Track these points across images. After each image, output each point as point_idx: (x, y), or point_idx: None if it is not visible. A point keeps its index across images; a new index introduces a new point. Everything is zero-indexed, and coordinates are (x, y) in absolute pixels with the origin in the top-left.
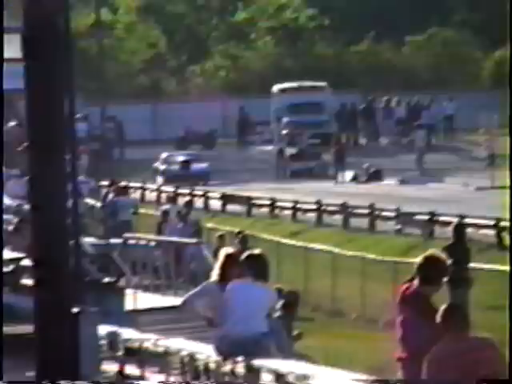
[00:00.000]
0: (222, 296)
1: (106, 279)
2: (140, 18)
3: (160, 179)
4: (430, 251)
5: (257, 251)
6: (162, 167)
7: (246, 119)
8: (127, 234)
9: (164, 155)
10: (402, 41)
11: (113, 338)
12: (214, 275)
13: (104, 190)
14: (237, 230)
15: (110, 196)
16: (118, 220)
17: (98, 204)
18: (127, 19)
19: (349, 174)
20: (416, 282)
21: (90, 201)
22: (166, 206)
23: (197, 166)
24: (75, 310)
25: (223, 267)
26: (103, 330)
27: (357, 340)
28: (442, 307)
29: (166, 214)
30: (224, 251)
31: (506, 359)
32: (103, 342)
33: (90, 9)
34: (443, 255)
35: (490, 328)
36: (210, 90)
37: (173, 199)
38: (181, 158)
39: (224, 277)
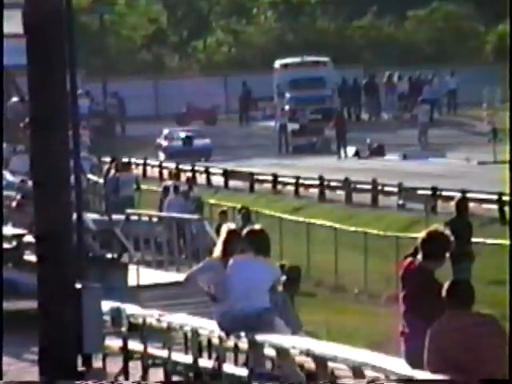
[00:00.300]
0: (224, 272)
1: (109, 255)
2: None
3: (162, 155)
4: (433, 226)
5: (257, 227)
6: (165, 143)
7: (249, 94)
8: (129, 210)
9: (166, 131)
10: (405, 15)
11: (116, 313)
12: (217, 251)
13: (106, 167)
14: (239, 205)
15: (112, 172)
16: (120, 196)
17: (100, 180)
18: None
19: (351, 150)
20: (419, 257)
21: (92, 177)
22: (168, 183)
23: (199, 142)
24: (78, 285)
25: (225, 243)
26: (106, 305)
27: (359, 315)
28: (447, 283)
29: (167, 190)
30: (226, 227)
31: (507, 335)
32: (106, 317)
33: None
34: (446, 230)
35: (492, 303)
36: (211, 65)
37: (175, 175)
38: (183, 134)
39: (226, 253)
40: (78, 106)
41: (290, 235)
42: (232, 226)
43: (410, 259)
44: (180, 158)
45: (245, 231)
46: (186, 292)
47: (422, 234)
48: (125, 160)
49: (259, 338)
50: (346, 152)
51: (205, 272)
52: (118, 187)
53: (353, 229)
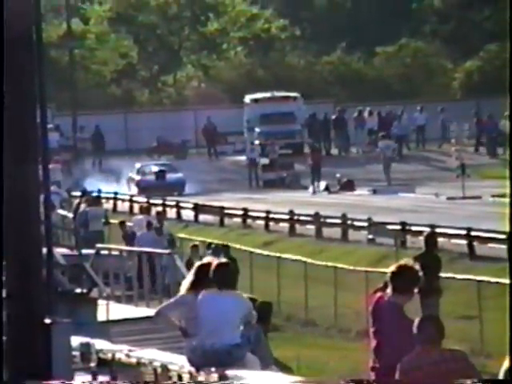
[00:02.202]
0: (195, 307)
1: (78, 290)
2: (111, 28)
3: (135, 189)
4: (402, 261)
5: (223, 260)
6: (137, 177)
7: (214, 129)
8: (99, 245)
9: (138, 165)
10: (373, 51)
11: (85, 349)
12: (186, 284)
13: (76, 201)
14: (209, 240)
15: (82, 206)
16: (89, 231)
17: (70, 215)
18: (99, 29)
19: (321, 184)
20: (389, 292)
21: (61, 212)
22: (139, 217)
23: (172, 176)
24: (47, 320)
25: (195, 276)
26: (75, 341)
27: (330, 350)
28: (417, 319)
29: (138, 224)
30: (199, 262)
31: (476, 371)
32: (75, 353)
33: (62, 19)
34: (415, 264)
35: (461, 338)
36: (181, 100)
37: (146, 209)
38: (156, 168)
39: (196, 286)
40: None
41: (261, 269)
42: (204, 260)
43: (379, 294)
44: (153, 192)
45: (213, 265)
46: (156, 327)
47: (391, 268)
48: (95, 194)
49: (229, 373)
50: (319, 186)
51: (177, 307)
52: (88, 221)
53: (323, 263)
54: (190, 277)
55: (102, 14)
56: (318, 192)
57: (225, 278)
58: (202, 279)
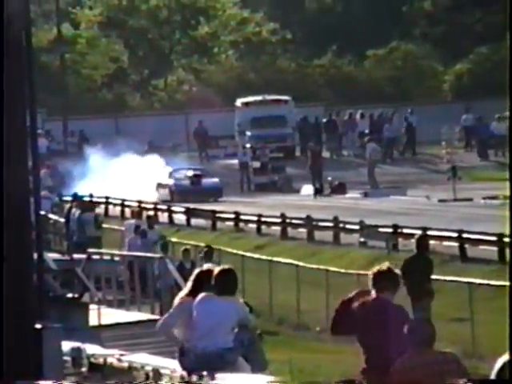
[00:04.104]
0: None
1: (70, 295)
2: (102, 33)
3: (166, 195)
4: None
5: (227, 266)
6: (169, 182)
7: (205, 133)
8: (91, 250)
9: (170, 169)
10: (364, 54)
11: (76, 354)
12: (186, 289)
13: (67, 205)
14: (202, 244)
15: (74, 211)
16: (87, 236)
17: (61, 219)
18: (89, 34)
19: (310, 188)
20: (373, 293)
21: (53, 216)
22: (130, 221)
23: (208, 181)
24: (38, 325)
25: (195, 282)
26: (67, 345)
27: (322, 353)
28: (410, 320)
29: (130, 229)
30: (199, 269)
31: (468, 373)
32: (67, 358)
33: (52, 24)
34: (393, 267)
35: (453, 340)
36: (173, 103)
37: (137, 214)
38: (189, 173)
39: (195, 292)
40: (39, 145)
41: (253, 273)
42: (205, 266)
43: (365, 297)
44: (187, 199)
45: (215, 271)
46: (148, 331)
47: (372, 271)
48: (87, 199)
49: (221, 377)
50: (322, 187)
51: (177, 317)
52: (84, 226)
53: (315, 266)
54: (189, 283)
55: (93, 19)
56: (320, 194)
57: (226, 284)
58: (202, 286)
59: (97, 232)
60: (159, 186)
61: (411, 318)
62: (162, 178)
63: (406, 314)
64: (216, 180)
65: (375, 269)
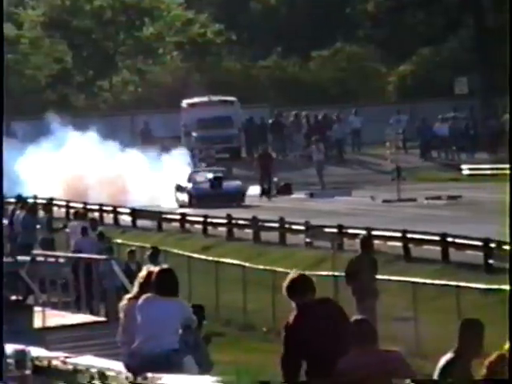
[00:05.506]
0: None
1: (14, 297)
2: (46, 33)
3: (184, 198)
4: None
5: (165, 266)
6: (188, 185)
7: (149, 133)
8: (35, 251)
9: (188, 171)
10: (309, 55)
11: (20, 356)
12: (133, 291)
13: (11, 207)
14: (147, 245)
15: (18, 213)
16: (25, 236)
17: (5, 221)
18: (32, 34)
19: (258, 189)
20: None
21: None
22: (74, 223)
23: (230, 184)
24: None
25: (142, 284)
26: (10, 348)
27: (267, 353)
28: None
29: (75, 230)
30: (145, 269)
31: (413, 371)
32: (10, 360)
33: None
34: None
35: (397, 339)
36: (118, 104)
37: (81, 215)
38: (210, 175)
39: (142, 293)
40: None
41: (199, 274)
42: (151, 268)
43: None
44: (208, 203)
45: (155, 272)
46: (92, 333)
47: (288, 280)
48: (31, 200)
49: (166, 378)
50: (270, 188)
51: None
52: (33, 229)
53: (261, 267)
54: (135, 286)
55: (36, 19)
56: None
57: (166, 284)
58: (145, 288)
59: (50, 234)
60: (177, 189)
61: (353, 318)
62: (181, 181)
63: (341, 314)
64: (238, 183)
65: (288, 279)
